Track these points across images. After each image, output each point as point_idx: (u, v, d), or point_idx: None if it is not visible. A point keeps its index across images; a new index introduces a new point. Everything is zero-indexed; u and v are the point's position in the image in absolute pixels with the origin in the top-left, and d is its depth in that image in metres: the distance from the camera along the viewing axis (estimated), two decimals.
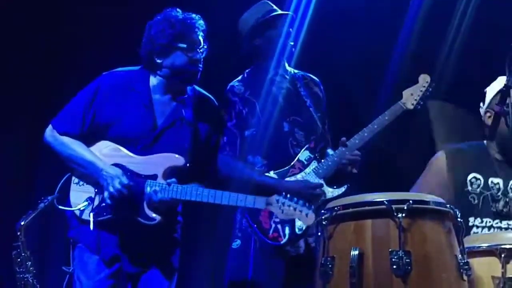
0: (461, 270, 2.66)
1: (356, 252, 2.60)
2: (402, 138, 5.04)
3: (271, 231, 3.41)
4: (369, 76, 5.05)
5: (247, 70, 3.75)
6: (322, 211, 2.83)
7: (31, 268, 4.20)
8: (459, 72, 5.06)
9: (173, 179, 3.18)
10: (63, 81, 5.00)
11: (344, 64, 5.09)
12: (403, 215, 2.61)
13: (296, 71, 3.81)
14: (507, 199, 3.43)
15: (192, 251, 4.58)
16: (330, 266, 2.66)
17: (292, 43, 3.69)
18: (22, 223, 4.17)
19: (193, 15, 3.36)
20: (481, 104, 3.62)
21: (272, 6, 3.71)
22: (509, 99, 2.95)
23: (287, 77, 3.72)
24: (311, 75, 3.85)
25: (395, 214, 2.61)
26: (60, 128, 3.29)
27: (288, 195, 3.12)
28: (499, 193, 3.45)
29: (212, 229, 4.88)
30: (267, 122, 3.58)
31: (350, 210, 2.71)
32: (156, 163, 3.22)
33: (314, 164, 3.54)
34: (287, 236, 3.41)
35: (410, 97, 3.54)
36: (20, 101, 5.19)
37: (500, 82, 3.51)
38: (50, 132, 3.31)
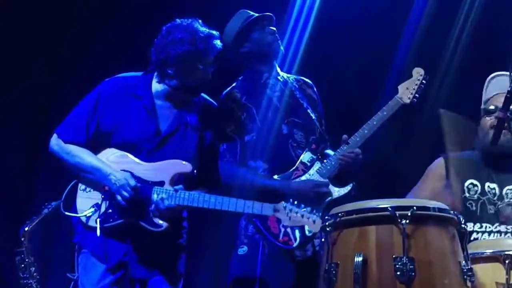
0: (465, 276, 2.65)
1: (360, 259, 2.59)
2: (404, 143, 5.04)
3: (281, 236, 3.41)
4: (371, 78, 5.05)
5: (240, 77, 3.76)
6: (326, 217, 2.83)
7: (34, 274, 4.22)
8: (461, 75, 5.07)
9: (180, 186, 3.18)
10: (66, 87, 5.01)
11: (346, 66, 5.10)
12: (407, 221, 2.60)
13: (288, 75, 3.81)
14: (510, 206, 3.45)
15: (196, 256, 4.58)
16: (334, 272, 2.66)
17: (282, 49, 3.73)
18: (26, 228, 4.20)
19: (214, 33, 3.28)
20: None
21: (251, 13, 3.72)
22: None
23: (280, 79, 3.73)
24: (303, 78, 3.85)
25: (399, 220, 2.61)
26: (65, 137, 3.29)
27: (296, 202, 3.10)
28: (495, 198, 3.47)
29: (216, 234, 4.88)
30: (265, 126, 3.58)
31: (354, 216, 2.70)
32: (164, 170, 3.22)
33: (317, 165, 3.55)
34: (298, 240, 3.40)
35: (406, 91, 3.53)
36: (23, 106, 5.20)
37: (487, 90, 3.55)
38: (55, 141, 3.31)
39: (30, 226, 4.19)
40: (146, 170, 3.22)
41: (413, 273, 2.56)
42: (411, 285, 2.56)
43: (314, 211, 3.05)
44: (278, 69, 3.76)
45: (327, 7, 5.09)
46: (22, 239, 4.18)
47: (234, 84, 3.72)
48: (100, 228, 3.12)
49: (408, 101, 3.53)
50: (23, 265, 4.21)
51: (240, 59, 3.73)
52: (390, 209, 2.64)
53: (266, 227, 3.42)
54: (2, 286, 4.68)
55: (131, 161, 3.23)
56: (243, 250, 3.51)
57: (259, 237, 3.46)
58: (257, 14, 3.71)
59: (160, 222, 3.15)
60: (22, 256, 4.20)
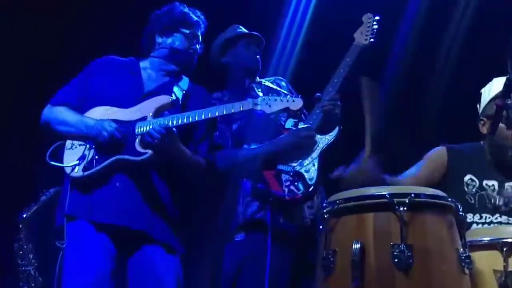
0: (463, 264, 2.66)
1: (358, 246, 2.60)
2: (403, 131, 5.05)
3: (286, 194, 3.41)
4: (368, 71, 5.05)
5: (224, 89, 3.85)
6: (324, 204, 2.84)
7: (33, 261, 4.22)
8: (458, 72, 5.09)
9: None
10: (65, 75, 4.99)
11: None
12: (405, 208, 2.61)
13: (263, 80, 3.89)
14: (506, 199, 3.46)
15: (192, 254, 4.57)
16: (331, 259, 2.67)
17: (258, 56, 3.82)
18: (24, 215, 4.20)
19: (199, 13, 3.51)
20: (478, 106, 3.68)
21: (241, 29, 3.86)
22: None
23: (260, 85, 3.83)
24: (277, 77, 3.99)
25: (397, 207, 2.61)
26: (56, 100, 3.37)
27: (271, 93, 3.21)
28: (494, 194, 3.50)
29: (213, 229, 4.87)
30: (252, 114, 3.61)
31: (352, 203, 2.71)
32: (145, 107, 3.23)
33: (301, 125, 3.58)
34: (302, 189, 3.40)
35: (361, 36, 3.71)
36: (21, 95, 5.20)
37: (495, 86, 3.55)
38: (46, 109, 3.38)
39: (28, 213, 4.19)
40: (130, 113, 3.24)
41: (411, 260, 2.56)
42: (409, 272, 2.56)
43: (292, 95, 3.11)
44: (257, 78, 3.86)
45: (320, 10, 5.12)
46: (20, 226, 4.18)
47: (218, 92, 3.80)
48: (83, 176, 3.13)
49: (366, 42, 3.69)
50: (21, 252, 4.20)
51: (222, 68, 3.83)
52: (388, 196, 2.64)
53: (272, 190, 3.44)
54: (0, 273, 4.69)
55: (115, 110, 3.26)
56: (240, 236, 3.52)
57: (262, 215, 3.46)
58: (246, 31, 3.83)
59: (143, 150, 3.13)
60: (20, 243, 4.20)
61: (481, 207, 3.48)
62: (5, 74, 5.12)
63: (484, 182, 3.53)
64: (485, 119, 3.60)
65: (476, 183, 3.53)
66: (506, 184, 3.52)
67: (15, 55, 5.17)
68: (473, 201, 3.50)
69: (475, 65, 4.94)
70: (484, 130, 3.62)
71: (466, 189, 3.52)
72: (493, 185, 3.52)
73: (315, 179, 3.39)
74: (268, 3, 5.20)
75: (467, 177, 3.54)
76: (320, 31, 5.18)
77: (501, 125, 3.15)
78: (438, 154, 3.64)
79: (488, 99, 3.58)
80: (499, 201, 3.46)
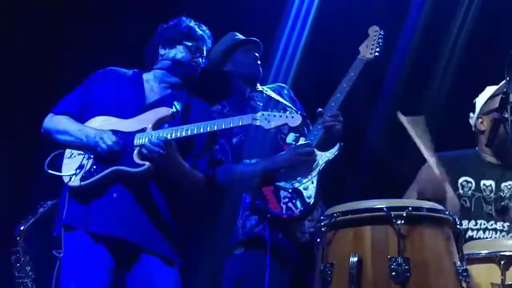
0: (460, 277, 2.65)
1: (355, 259, 2.59)
2: (402, 145, 5.04)
3: (284, 212, 3.39)
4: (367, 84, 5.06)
5: (226, 98, 3.84)
6: (322, 217, 2.84)
7: (30, 273, 4.22)
8: (458, 79, 5.09)
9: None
10: (64, 88, 5.00)
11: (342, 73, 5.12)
12: (402, 221, 2.61)
13: (266, 88, 3.87)
14: (505, 200, 3.46)
15: (192, 257, 4.57)
16: (329, 272, 2.66)
17: (258, 62, 3.81)
18: (22, 228, 4.21)
19: (205, 28, 3.54)
20: (471, 114, 3.68)
21: (239, 36, 3.85)
22: (509, 106, 2.96)
23: (265, 92, 3.81)
24: (279, 84, 3.96)
25: (394, 220, 2.61)
26: (57, 110, 3.39)
27: (270, 109, 3.20)
28: (491, 195, 3.49)
29: (212, 240, 4.86)
30: (251, 128, 3.60)
31: (349, 216, 2.71)
32: (145, 119, 3.24)
33: (302, 140, 3.55)
34: (299, 207, 3.39)
35: (367, 49, 3.67)
36: (20, 105, 5.20)
37: (488, 92, 3.56)
38: (48, 118, 3.40)
39: (26, 226, 4.19)
40: (130, 124, 3.24)
41: (408, 274, 2.56)
42: (406, 285, 2.56)
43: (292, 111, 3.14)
44: (259, 86, 3.83)
45: (322, 17, 5.13)
46: (18, 238, 4.18)
47: (218, 104, 3.79)
48: (81, 186, 3.13)
49: (371, 56, 3.65)
50: (18, 264, 4.20)
51: (223, 77, 3.82)
52: (385, 209, 2.64)
53: (270, 208, 3.43)
54: None
55: (115, 121, 3.26)
56: (240, 250, 3.51)
57: (261, 229, 3.46)
58: (244, 38, 3.83)
59: (141, 161, 3.12)
60: (18, 255, 4.20)
61: (477, 212, 3.48)
62: (5, 83, 5.13)
63: (482, 182, 3.53)
64: (483, 116, 3.59)
65: (472, 184, 3.52)
66: (502, 185, 3.52)
67: (16, 65, 5.18)
68: (468, 205, 3.50)
69: (474, 76, 4.94)
70: (481, 127, 3.59)
71: (461, 191, 3.51)
72: (490, 185, 3.51)
73: (313, 197, 3.37)
74: (269, 10, 5.20)
75: (461, 179, 3.54)
76: (321, 38, 5.17)
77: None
78: (425, 171, 3.58)
79: (485, 99, 3.58)
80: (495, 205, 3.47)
